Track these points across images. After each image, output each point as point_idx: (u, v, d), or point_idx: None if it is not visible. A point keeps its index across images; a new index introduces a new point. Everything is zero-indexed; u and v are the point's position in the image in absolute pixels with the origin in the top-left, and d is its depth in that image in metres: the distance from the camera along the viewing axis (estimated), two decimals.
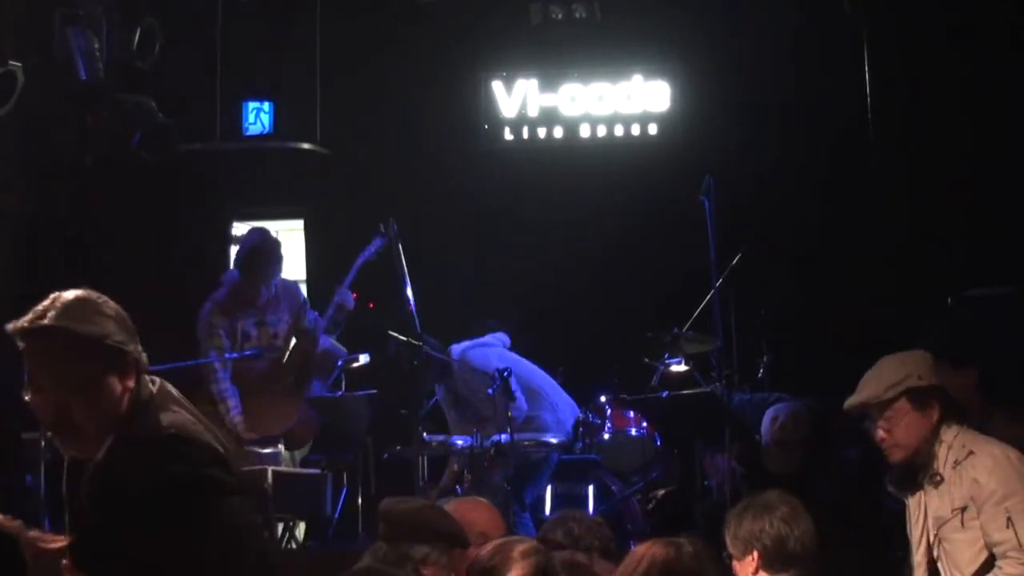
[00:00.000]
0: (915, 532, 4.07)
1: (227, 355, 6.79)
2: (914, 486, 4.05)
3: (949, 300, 6.85)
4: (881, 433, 4.05)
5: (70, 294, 2.91)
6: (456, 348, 7.01)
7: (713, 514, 5.95)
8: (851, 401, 4.12)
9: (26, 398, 2.84)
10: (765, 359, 7.20)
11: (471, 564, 3.25)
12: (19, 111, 6.43)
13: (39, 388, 2.82)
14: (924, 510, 4.02)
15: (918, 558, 4.03)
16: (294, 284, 7.29)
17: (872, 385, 4.06)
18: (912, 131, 7.99)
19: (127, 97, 7.03)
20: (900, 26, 8.06)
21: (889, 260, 7.86)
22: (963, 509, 3.85)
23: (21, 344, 2.83)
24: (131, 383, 2.86)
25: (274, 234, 7.29)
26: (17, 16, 6.60)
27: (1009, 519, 3.75)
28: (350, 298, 7.04)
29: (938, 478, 3.96)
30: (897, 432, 4.01)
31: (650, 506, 7.04)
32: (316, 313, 7.16)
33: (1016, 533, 3.73)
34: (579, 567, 3.11)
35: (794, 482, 4.97)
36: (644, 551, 3.01)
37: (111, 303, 2.93)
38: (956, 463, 3.92)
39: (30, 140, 7.22)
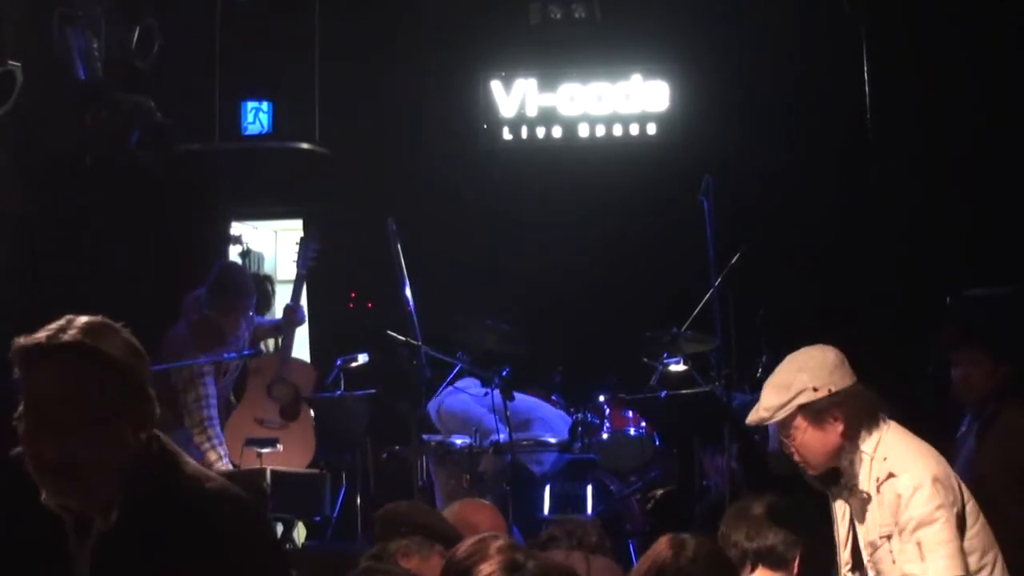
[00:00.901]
0: (840, 532, 3.93)
1: (227, 355, 6.77)
2: (835, 488, 3.86)
3: (948, 300, 6.85)
4: (788, 449, 3.85)
5: (87, 317, 2.49)
6: (431, 404, 7.02)
7: (712, 514, 5.94)
8: (750, 419, 3.89)
9: (19, 432, 2.42)
10: (764, 359, 7.19)
11: (448, 561, 3.24)
12: (17, 111, 6.41)
13: (42, 422, 2.38)
14: (850, 521, 3.86)
15: (844, 558, 3.92)
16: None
17: (766, 400, 3.83)
18: (912, 131, 7.98)
19: (126, 97, 7.02)
20: (900, 26, 8.05)
21: (889, 260, 7.86)
22: (889, 537, 3.66)
23: (25, 369, 2.42)
24: (144, 433, 2.47)
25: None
26: (16, 16, 6.59)
27: (920, 549, 3.56)
28: (303, 312, 7.03)
29: (864, 496, 3.75)
30: (801, 451, 3.80)
31: (649, 506, 7.04)
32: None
33: (928, 567, 3.54)
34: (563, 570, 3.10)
35: (798, 484, 4.94)
36: (653, 549, 3.02)
37: (132, 336, 2.52)
38: (879, 482, 3.70)
39: (28, 140, 7.21)
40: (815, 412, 3.74)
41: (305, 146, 8.87)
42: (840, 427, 3.73)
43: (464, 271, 8.27)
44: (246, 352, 6.79)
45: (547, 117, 8.84)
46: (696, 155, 8.12)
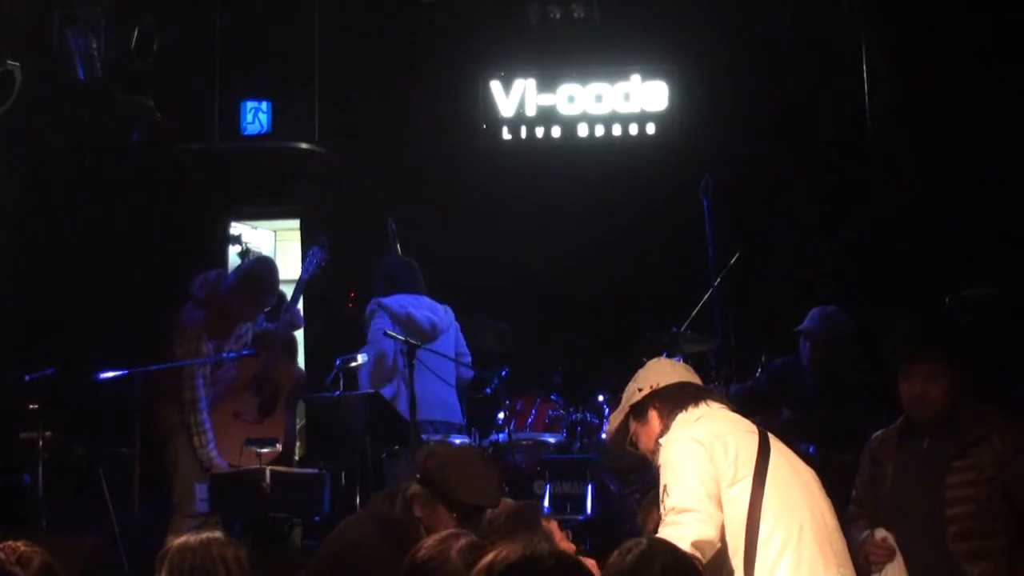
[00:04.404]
0: None
1: (225, 355, 6.76)
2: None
3: (947, 300, 6.86)
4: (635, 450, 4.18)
5: None
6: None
7: None
8: (606, 437, 4.38)
9: None
10: (763, 358, 7.20)
11: (409, 560, 3.25)
12: (17, 111, 6.42)
13: None
14: None
15: None
16: None
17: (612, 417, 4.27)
18: (912, 131, 7.98)
19: (125, 97, 7.03)
20: (900, 26, 8.05)
21: (888, 259, 7.86)
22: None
23: None
24: None
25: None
26: (15, 16, 6.60)
27: (665, 489, 3.82)
28: (299, 317, 7.01)
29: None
30: (641, 448, 4.12)
31: None
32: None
33: (665, 500, 3.80)
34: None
35: None
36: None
37: None
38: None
39: (28, 139, 7.22)
40: (638, 409, 4.10)
41: (304, 146, 8.88)
42: (656, 420, 4.06)
43: (463, 271, 8.27)
44: (246, 352, 6.79)
45: (546, 117, 8.84)
46: (695, 155, 8.12)
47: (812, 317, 6.45)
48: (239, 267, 6.90)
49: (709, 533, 3.68)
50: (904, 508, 4.46)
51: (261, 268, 6.95)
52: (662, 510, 3.82)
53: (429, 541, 3.26)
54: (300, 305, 7.21)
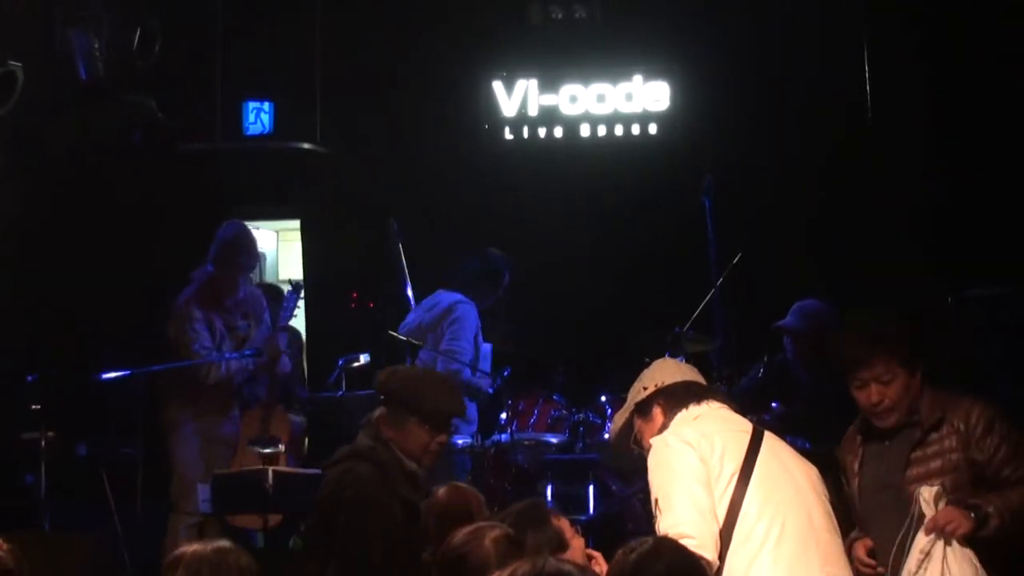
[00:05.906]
0: None
1: (227, 355, 6.76)
2: None
3: (949, 300, 6.85)
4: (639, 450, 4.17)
5: None
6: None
7: None
8: (610, 439, 4.42)
9: None
10: (765, 358, 7.19)
11: (442, 550, 3.27)
12: (19, 111, 6.42)
13: None
14: None
15: None
16: (259, 292, 7.27)
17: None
18: (913, 131, 7.98)
19: (127, 97, 7.03)
20: (900, 25, 8.06)
21: (890, 259, 7.86)
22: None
23: None
24: None
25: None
26: (17, 16, 6.60)
27: (658, 507, 3.82)
28: (287, 364, 7.00)
29: None
30: (645, 447, 4.08)
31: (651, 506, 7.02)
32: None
33: (657, 522, 3.78)
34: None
35: None
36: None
37: None
38: None
39: (30, 140, 7.22)
40: (643, 407, 4.12)
41: (306, 146, 8.88)
42: (659, 419, 4.06)
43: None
44: (247, 352, 6.78)
45: (548, 117, 8.84)
46: (697, 155, 8.12)
47: (791, 312, 6.46)
48: (215, 239, 7.00)
49: (706, 557, 3.62)
50: (870, 511, 4.24)
51: (225, 228, 7.02)
52: (656, 524, 3.78)
53: (462, 532, 3.28)
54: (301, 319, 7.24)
